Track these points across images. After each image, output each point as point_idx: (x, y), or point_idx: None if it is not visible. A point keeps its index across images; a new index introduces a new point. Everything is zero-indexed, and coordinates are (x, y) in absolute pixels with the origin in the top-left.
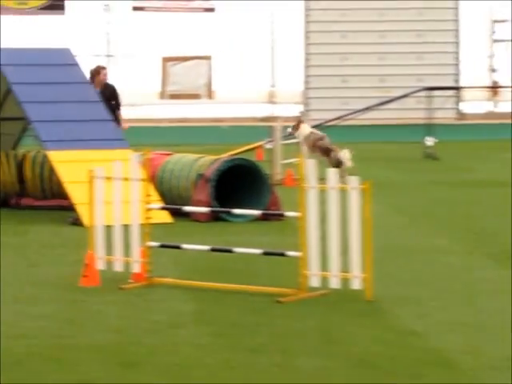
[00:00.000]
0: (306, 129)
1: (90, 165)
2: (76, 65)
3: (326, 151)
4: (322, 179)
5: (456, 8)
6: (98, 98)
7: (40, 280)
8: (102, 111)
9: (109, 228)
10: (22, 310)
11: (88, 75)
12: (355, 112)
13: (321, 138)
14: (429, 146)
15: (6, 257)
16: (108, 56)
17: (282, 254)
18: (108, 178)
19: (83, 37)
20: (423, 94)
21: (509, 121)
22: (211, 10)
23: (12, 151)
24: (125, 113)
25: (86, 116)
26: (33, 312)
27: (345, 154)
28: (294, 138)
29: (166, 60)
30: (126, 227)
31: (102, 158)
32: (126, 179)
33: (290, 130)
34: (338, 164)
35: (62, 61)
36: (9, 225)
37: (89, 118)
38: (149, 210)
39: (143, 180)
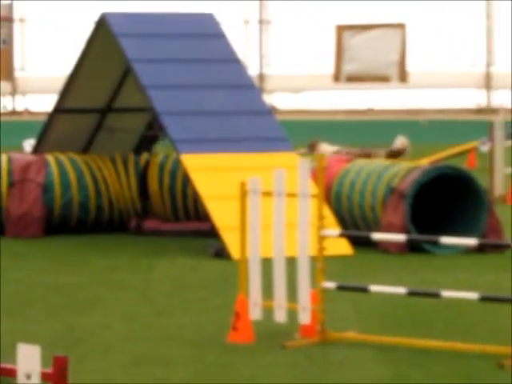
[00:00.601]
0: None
1: (241, 174)
2: (221, 35)
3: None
4: None
5: None
6: (252, 80)
7: (171, 334)
8: (257, 100)
9: (267, 262)
10: (148, 373)
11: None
12: None
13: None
14: None
15: (125, 302)
16: (261, 23)
17: (507, 300)
18: (266, 194)
19: None
20: None
21: None
22: None
23: (132, 155)
24: (286, 101)
25: (235, 106)
26: (163, 377)
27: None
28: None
29: (341, 29)
30: (290, 261)
31: (257, 164)
32: (291, 195)
33: (302, 151)
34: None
35: (203, 30)
36: (128, 257)
37: (239, 109)
38: (323, 237)
39: (315, 196)
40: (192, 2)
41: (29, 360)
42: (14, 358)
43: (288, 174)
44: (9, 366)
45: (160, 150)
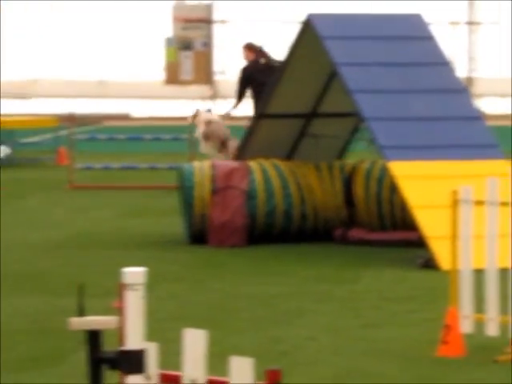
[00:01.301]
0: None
1: (452, 183)
2: (430, 37)
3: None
4: None
5: None
6: (462, 84)
7: (379, 347)
8: (466, 105)
9: (479, 273)
10: None
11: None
12: None
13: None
14: None
15: (330, 313)
16: (470, 24)
17: None
18: (478, 203)
19: None
20: None
21: None
22: None
23: (337, 161)
24: (494, 106)
25: (445, 112)
26: None
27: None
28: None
29: None
30: (504, 273)
31: (468, 172)
32: (504, 204)
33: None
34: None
35: (410, 32)
36: (333, 267)
37: (450, 115)
38: None
39: None
40: (399, 2)
41: (241, 373)
42: (221, 369)
43: (502, 183)
44: (219, 378)
45: (366, 156)
